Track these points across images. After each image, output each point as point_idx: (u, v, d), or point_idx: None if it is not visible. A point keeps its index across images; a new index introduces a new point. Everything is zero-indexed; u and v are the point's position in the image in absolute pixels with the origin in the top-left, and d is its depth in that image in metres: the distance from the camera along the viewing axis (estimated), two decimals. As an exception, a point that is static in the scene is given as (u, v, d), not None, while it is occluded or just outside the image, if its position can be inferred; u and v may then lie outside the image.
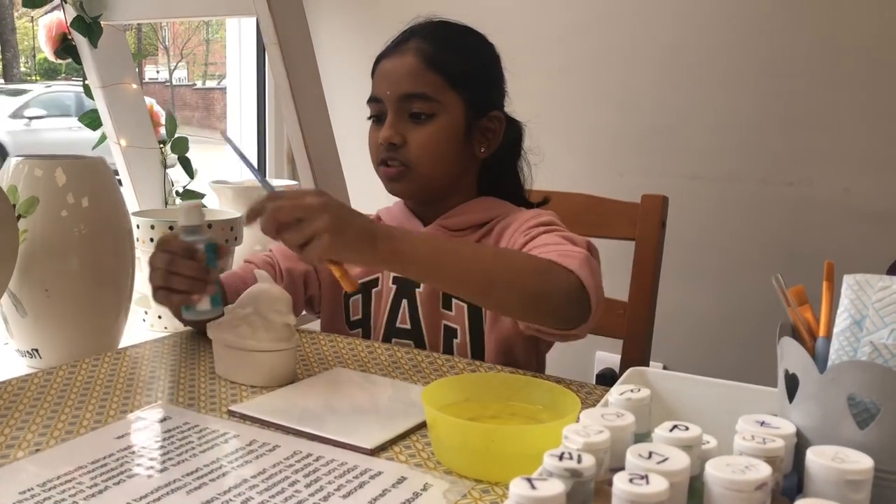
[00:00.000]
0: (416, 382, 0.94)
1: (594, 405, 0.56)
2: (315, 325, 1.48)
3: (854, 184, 1.62)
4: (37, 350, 1.15)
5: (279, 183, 1.77)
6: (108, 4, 1.64)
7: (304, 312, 1.22)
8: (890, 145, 1.59)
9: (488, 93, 1.14)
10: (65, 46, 1.66)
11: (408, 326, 1.11)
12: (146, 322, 1.46)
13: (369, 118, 1.13)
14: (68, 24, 1.63)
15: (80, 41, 1.65)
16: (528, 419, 0.78)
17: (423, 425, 0.79)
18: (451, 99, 1.09)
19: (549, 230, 1.03)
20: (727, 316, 1.74)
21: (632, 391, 0.57)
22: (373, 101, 1.11)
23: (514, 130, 1.17)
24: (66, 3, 1.61)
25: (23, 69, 9.72)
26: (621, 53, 1.80)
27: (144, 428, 0.79)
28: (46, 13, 1.70)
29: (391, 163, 1.09)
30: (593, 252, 1.01)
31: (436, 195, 1.13)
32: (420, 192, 1.12)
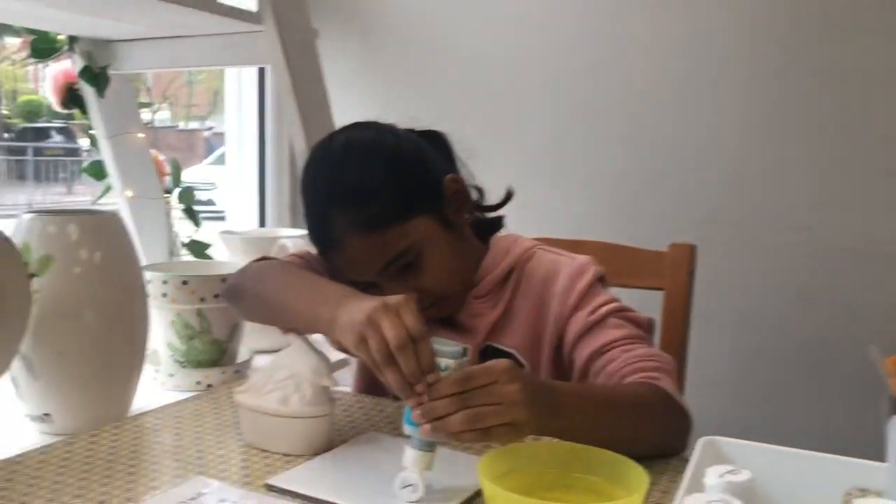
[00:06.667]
0: (454, 448, 0.89)
1: (656, 476, 0.51)
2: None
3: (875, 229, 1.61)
4: (48, 414, 1.09)
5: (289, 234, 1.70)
6: (117, 54, 1.61)
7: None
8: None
9: (430, 181, 1.00)
10: (71, 96, 1.62)
11: None
12: (156, 380, 1.40)
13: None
14: (77, 73, 1.59)
15: (87, 91, 1.61)
16: (587, 491, 0.74)
17: (476, 496, 0.74)
18: (415, 225, 0.96)
19: (613, 311, 0.99)
20: (748, 363, 1.71)
21: (730, 473, 0.53)
22: (355, 283, 0.92)
23: (445, 149, 1.08)
24: (74, 52, 1.58)
25: (4, 111, 9.64)
26: (630, 96, 1.79)
27: (182, 507, 0.74)
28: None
29: (425, 311, 0.88)
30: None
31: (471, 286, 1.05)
32: (464, 299, 1.04)
